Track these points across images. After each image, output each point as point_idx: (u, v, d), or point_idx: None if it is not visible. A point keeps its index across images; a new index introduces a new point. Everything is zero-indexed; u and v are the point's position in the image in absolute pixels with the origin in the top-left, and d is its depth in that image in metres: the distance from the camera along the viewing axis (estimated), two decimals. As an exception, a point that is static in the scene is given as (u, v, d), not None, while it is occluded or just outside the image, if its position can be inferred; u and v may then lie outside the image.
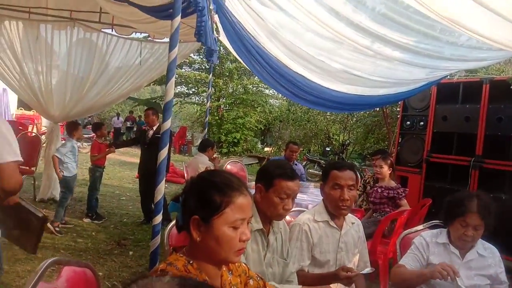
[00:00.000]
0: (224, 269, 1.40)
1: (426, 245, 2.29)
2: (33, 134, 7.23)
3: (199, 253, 1.29)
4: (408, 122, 6.30)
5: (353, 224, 2.47)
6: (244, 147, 18.01)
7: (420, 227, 2.73)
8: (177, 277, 0.78)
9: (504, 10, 2.55)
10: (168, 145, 2.92)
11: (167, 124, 2.91)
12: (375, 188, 4.52)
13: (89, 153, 6.14)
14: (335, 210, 2.32)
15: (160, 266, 1.26)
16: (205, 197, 1.27)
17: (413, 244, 2.35)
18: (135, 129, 20.19)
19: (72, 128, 5.48)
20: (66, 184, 5.28)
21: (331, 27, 3.45)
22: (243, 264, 1.52)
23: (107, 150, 5.86)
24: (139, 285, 0.74)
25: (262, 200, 2.03)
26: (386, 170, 4.49)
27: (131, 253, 4.63)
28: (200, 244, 1.27)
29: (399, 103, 6.84)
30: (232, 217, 1.25)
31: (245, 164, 7.28)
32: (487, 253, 2.24)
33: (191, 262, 1.27)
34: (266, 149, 18.84)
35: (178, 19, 2.86)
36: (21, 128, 9.85)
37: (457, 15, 2.76)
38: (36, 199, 6.34)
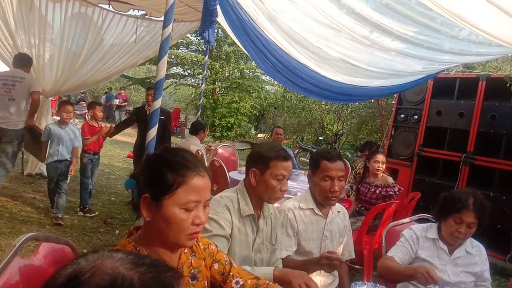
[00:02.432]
0: (185, 251, 1.34)
1: (416, 238, 2.28)
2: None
3: (151, 235, 1.22)
4: (402, 115, 6.29)
5: (339, 212, 2.46)
6: (238, 132, 17.90)
7: (406, 219, 2.71)
8: (132, 254, 0.72)
9: (509, 6, 2.51)
10: (157, 125, 2.86)
11: (157, 103, 2.86)
12: (371, 188, 4.27)
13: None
14: (324, 201, 2.31)
15: None
16: (157, 175, 1.19)
17: (402, 236, 2.33)
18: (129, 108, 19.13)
19: (58, 106, 5.11)
20: (46, 170, 4.81)
21: (330, 14, 3.39)
22: (211, 247, 1.45)
23: (101, 131, 5.06)
24: (89, 260, 0.69)
25: (258, 184, 1.99)
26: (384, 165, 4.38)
27: (117, 232, 4.61)
28: (151, 225, 1.20)
29: (395, 95, 6.82)
30: (184, 199, 1.16)
31: (237, 149, 7.23)
32: (474, 250, 2.24)
33: (138, 248, 1.20)
34: (259, 135, 18.75)
35: (173, -4, 2.79)
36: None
37: (460, 9, 2.72)
38: (24, 173, 6.29)
